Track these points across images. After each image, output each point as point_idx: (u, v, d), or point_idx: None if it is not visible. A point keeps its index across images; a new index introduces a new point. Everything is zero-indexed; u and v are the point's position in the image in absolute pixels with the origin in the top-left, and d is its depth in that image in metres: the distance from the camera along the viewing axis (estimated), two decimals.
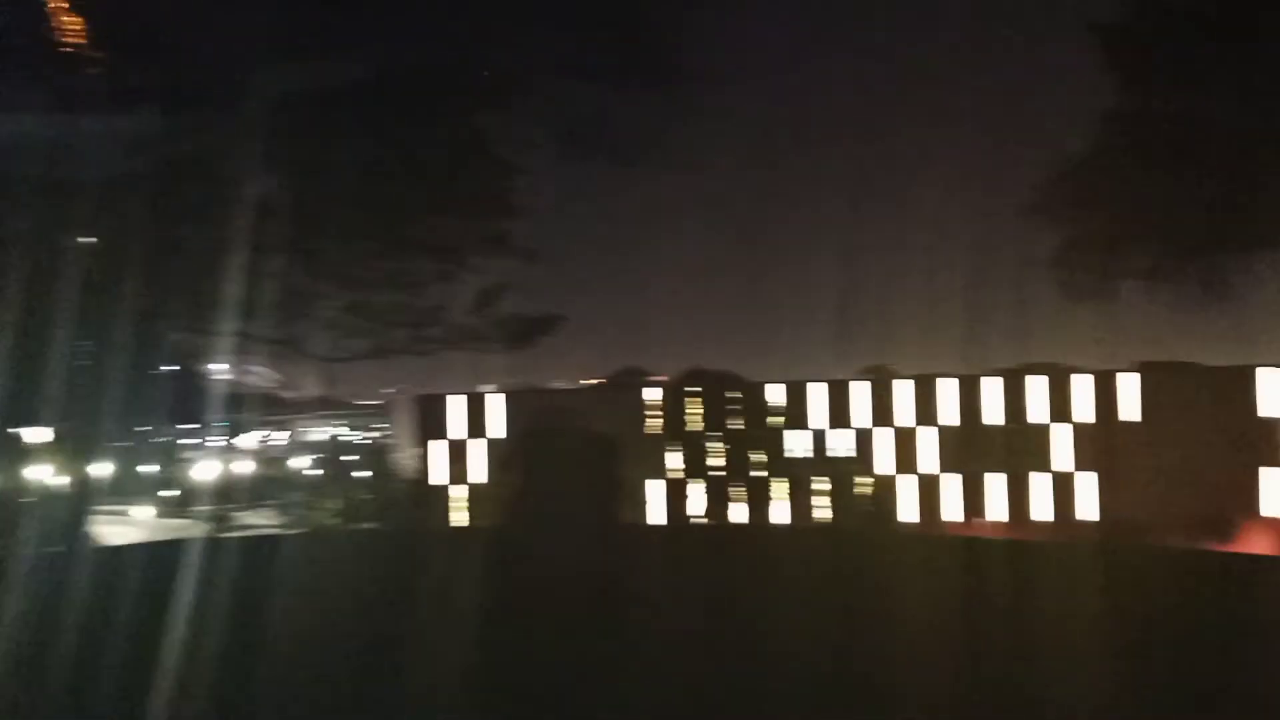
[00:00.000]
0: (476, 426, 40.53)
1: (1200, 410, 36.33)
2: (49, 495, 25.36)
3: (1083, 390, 39.11)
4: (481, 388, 40.60)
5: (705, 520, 39.75)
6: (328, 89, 14.78)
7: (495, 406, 40.17)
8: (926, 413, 40.95)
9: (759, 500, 40.50)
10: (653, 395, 41.20)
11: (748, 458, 40.89)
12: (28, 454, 24.63)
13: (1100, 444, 38.03)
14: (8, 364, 19.64)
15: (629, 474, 34.66)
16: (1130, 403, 38.32)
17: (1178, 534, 30.71)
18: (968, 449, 39.98)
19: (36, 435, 24.48)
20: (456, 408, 40.76)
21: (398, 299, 24.22)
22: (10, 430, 23.59)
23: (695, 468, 40.86)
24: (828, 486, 40.21)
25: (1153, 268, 19.62)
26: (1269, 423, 37.15)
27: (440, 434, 40.72)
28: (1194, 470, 35.08)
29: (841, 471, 40.50)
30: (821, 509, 39.97)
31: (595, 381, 43.90)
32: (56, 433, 24.54)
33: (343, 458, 40.43)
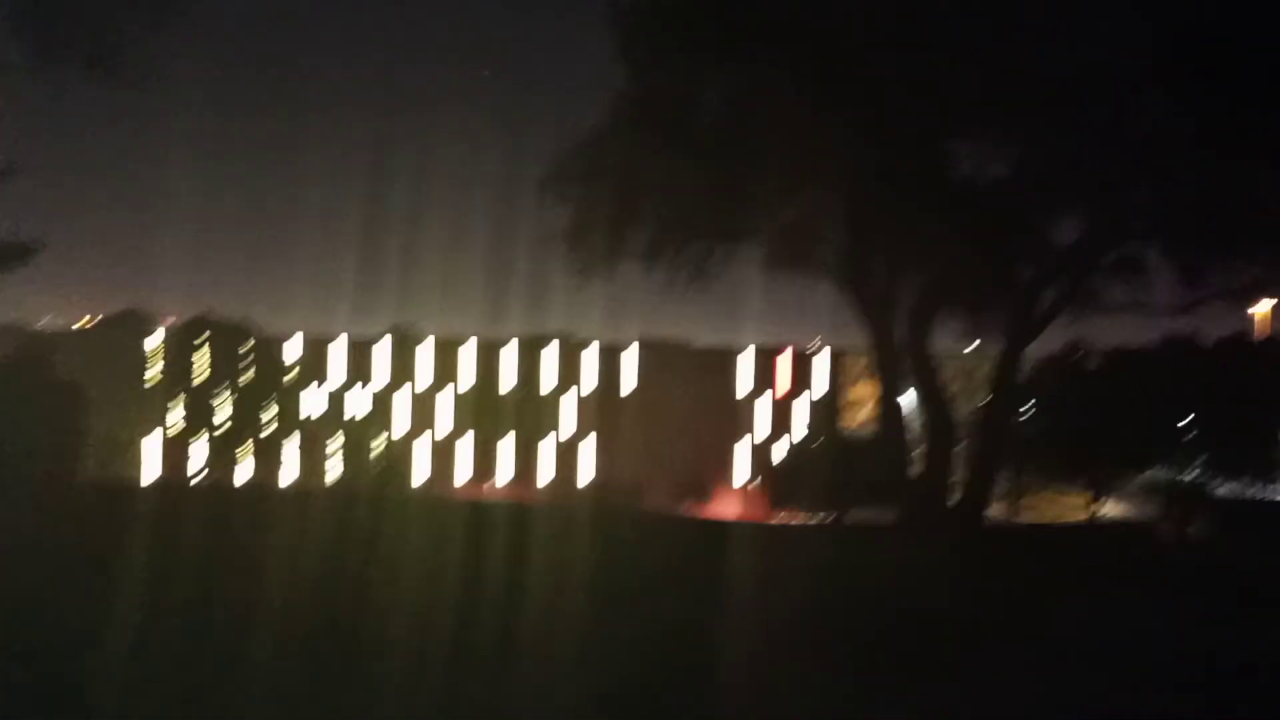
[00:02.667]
0: None
1: (688, 386, 39.75)
2: None
3: (588, 361, 41.40)
4: None
5: (206, 479, 37.61)
6: None
7: None
8: (445, 375, 41.49)
9: (268, 459, 38.92)
10: (153, 342, 38.25)
11: (258, 414, 39.12)
12: None
13: (600, 413, 40.50)
14: None
15: (114, 427, 31.96)
16: (628, 376, 41.10)
17: (664, 499, 33.41)
18: (482, 413, 41.02)
19: None
20: None
21: None
22: None
23: (198, 423, 38.44)
24: (342, 446, 39.49)
25: (648, 249, 20.95)
26: (742, 401, 41.45)
27: None
28: (680, 441, 38.31)
29: (357, 431, 39.92)
30: (335, 469, 39.20)
31: (86, 322, 40.12)
32: None
33: None
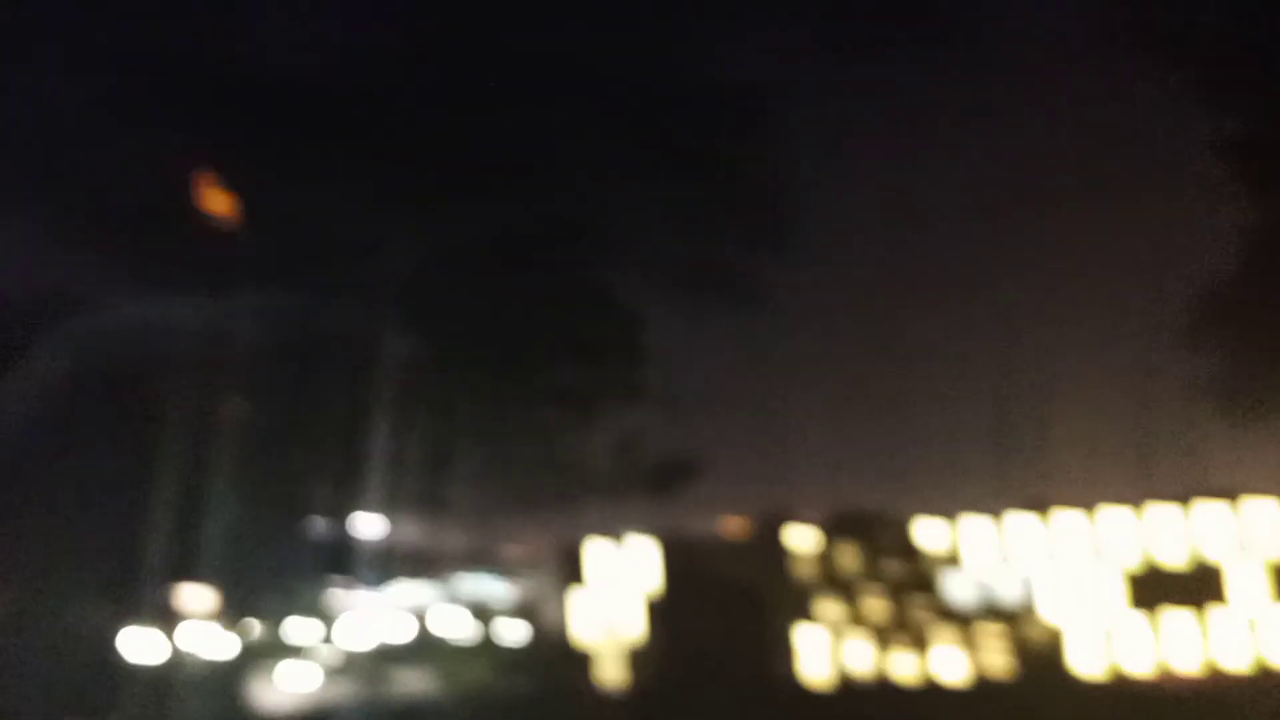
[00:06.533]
0: (624, 577, 39.91)
1: None
2: (209, 658, 25.91)
3: (1268, 520, 36.32)
4: (627, 536, 40.14)
5: (866, 675, 37.93)
6: (451, 251, 15.19)
7: (641, 556, 39.56)
8: (1104, 549, 38.61)
9: (921, 651, 38.54)
10: (802, 539, 39.99)
11: (908, 604, 39.09)
12: (189, 616, 25.31)
13: None
14: (168, 528, 20.37)
15: (779, 625, 33.72)
16: None
17: None
18: (1145, 588, 37.45)
19: (197, 596, 25.19)
20: (601, 558, 40.32)
21: (536, 450, 24.41)
22: (172, 593, 24.34)
23: (850, 617, 39.21)
24: (995, 633, 38.04)
25: None
26: None
27: (587, 585, 40.20)
28: None
29: (1010, 617, 38.31)
30: (990, 659, 37.77)
31: (741, 526, 42.99)
32: (217, 595, 25.21)
33: (490, 612, 40.25)
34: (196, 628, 26.10)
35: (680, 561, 35.21)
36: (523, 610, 40.16)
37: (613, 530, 39.65)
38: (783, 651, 36.54)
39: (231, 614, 26.95)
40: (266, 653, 29.65)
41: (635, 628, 37.73)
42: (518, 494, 24.08)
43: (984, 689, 28.05)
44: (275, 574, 27.15)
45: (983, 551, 39.39)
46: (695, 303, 17.33)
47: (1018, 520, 39.34)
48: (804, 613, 38.49)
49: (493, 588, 42.24)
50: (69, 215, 15.87)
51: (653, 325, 19.83)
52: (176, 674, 24.42)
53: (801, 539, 39.83)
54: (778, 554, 39.01)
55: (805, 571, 39.08)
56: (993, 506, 39.63)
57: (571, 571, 40.33)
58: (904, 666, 37.91)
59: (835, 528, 38.54)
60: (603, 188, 14.97)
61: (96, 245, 16.46)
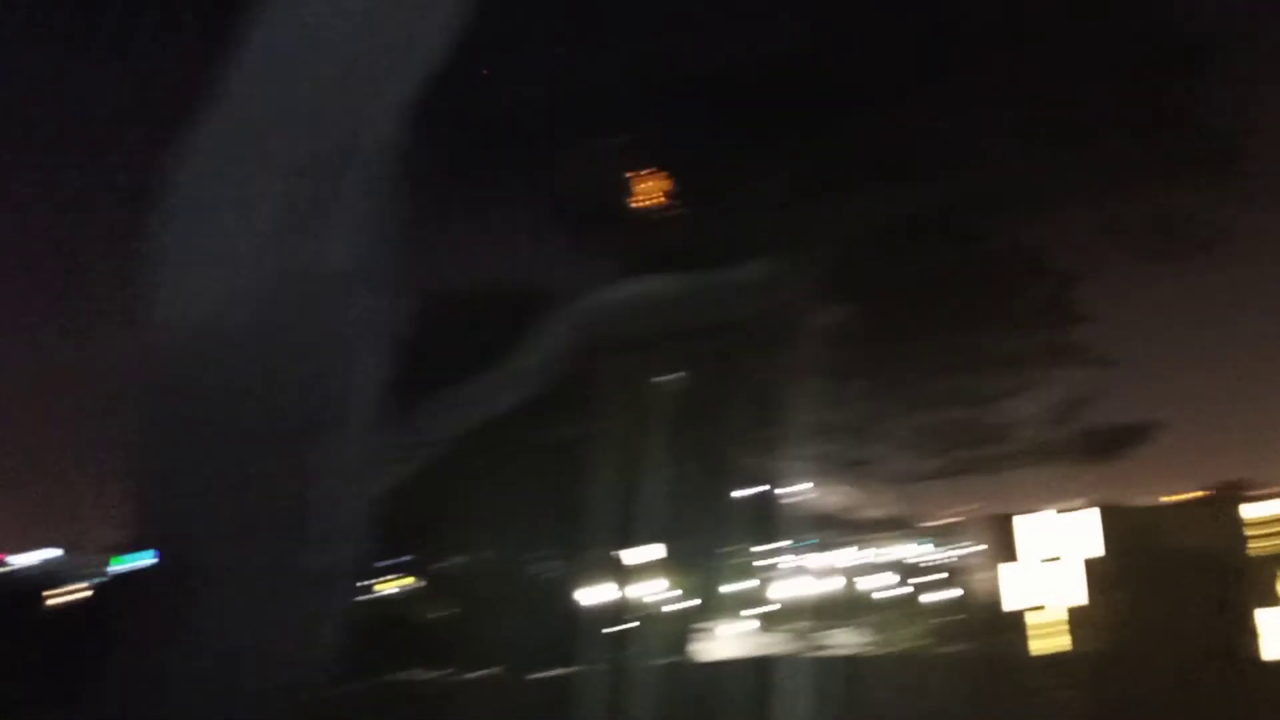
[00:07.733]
0: (1061, 547, 38.31)
1: None
2: (656, 611, 27.99)
3: None
4: (1063, 504, 38.42)
5: None
6: (884, 219, 15.47)
7: (1079, 525, 37.76)
8: None
9: None
10: (1264, 510, 36.49)
11: None
12: (636, 572, 27.46)
13: None
14: (617, 490, 22.30)
15: (1238, 601, 31.24)
16: None
17: None
18: None
19: (644, 554, 27.26)
20: (1036, 527, 38.85)
21: (968, 415, 24.18)
22: (618, 550, 26.53)
23: None
24: None
25: None
26: None
27: (1020, 554, 38.95)
28: None
29: None
30: None
31: (1194, 495, 39.86)
32: (666, 551, 27.18)
33: (921, 578, 40.18)
34: (645, 584, 28.11)
35: (1125, 531, 33.33)
36: (955, 576, 39.70)
37: (1052, 497, 38.10)
38: (1242, 628, 33.73)
39: (676, 572, 28.85)
40: (708, 608, 31.49)
41: (1074, 597, 36.15)
42: (950, 460, 24.05)
43: None
44: (715, 535, 28.73)
45: None
46: (1147, 259, 16.52)
47: None
48: (1267, 588, 35.21)
49: (925, 552, 42.07)
50: (546, 212, 17.82)
51: (1099, 285, 19.07)
52: (627, 626, 26.51)
53: (1264, 509, 36.41)
54: (1236, 525, 35.92)
55: (1267, 544, 35.76)
56: None
57: (1005, 538, 39.19)
58: None
59: None
60: (1043, 150, 14.65)
61: (566, 237, 18.31)
